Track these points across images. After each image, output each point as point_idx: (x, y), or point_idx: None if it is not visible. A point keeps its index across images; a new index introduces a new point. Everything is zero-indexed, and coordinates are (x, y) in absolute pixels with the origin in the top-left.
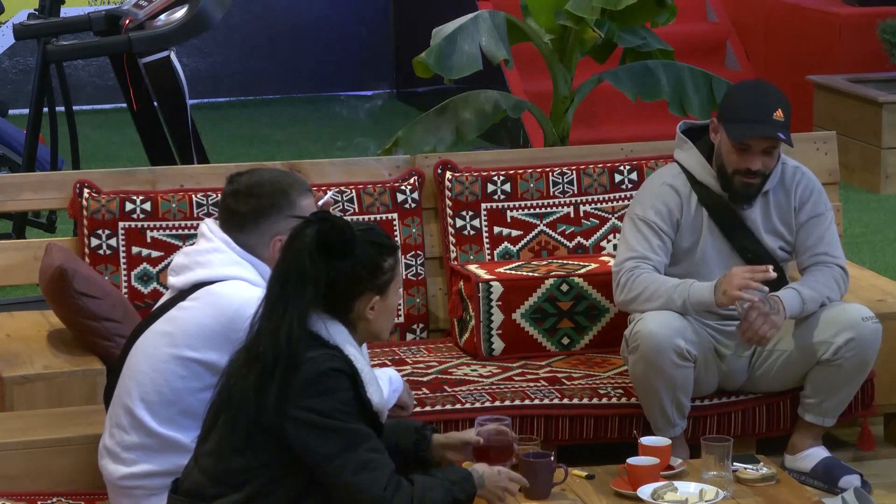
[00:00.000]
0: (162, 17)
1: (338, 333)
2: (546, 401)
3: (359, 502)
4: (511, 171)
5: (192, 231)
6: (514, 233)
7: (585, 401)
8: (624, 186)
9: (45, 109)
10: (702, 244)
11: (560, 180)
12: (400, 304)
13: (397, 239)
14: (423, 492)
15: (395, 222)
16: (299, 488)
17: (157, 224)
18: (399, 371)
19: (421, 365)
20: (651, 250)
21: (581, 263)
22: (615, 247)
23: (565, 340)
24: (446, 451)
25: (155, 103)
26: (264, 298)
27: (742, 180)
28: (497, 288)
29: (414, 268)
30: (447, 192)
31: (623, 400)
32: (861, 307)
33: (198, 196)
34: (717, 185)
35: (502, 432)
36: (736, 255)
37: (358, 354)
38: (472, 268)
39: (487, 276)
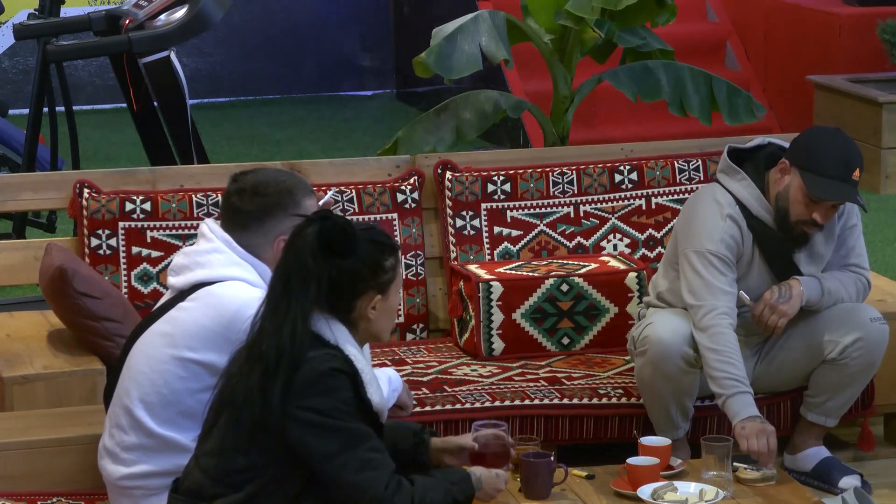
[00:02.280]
0: (162, 17)
1: (339, 333)
2: (546, 401)
3: (360, 501)
4: (511, 171)
5: (192, 231)
6: (514, 233)
7: (585, 401)
8: (624, 186)
9: (45, 109)
10: (748, 275)
11: (560, 180)
12: (400, 304)
13: (397, 239)
14: (424, 491)
15: (395, 222)
16: (300, 487)
17: (157, 224)
18: (399, 371)
19: (421, 365)
20: (729, 283)
21: (581, 263)
22: (615, 247)
23: (565, 340)
24: (444, 455)
25: (155, 103)
26: (266, 297)
27: (803, 228)
28: (497, 288)
29: (414, 268)
30: (447, 192)
31: (623, 400)
32: (869, 308)
33: (198, 196)
34: (771, 220)
35: (499, 437)
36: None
37: (359, 354)
38: (472, 268)
39: (487, 276)
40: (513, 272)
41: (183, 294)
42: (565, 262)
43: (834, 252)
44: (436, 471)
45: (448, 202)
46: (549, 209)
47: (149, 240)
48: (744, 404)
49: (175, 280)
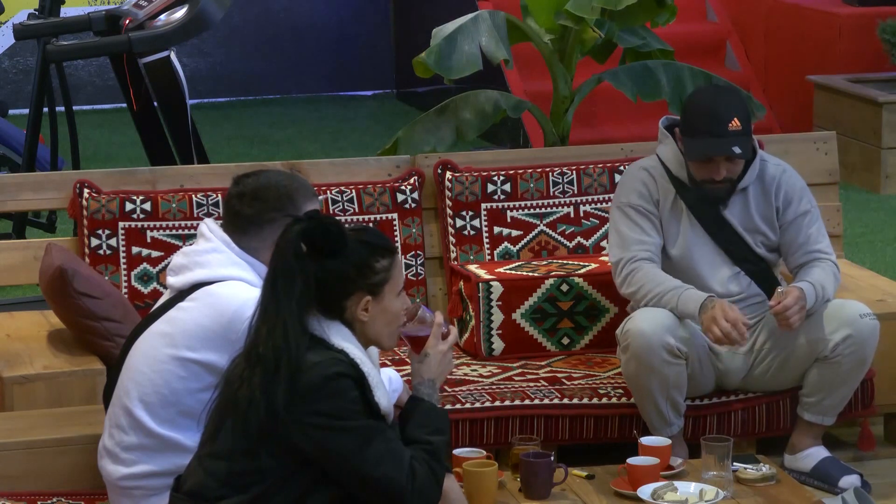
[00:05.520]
0: (162, 17)
1: (341, 335)
2: (546, 401)
3: (382, 494)
4: (511, 171)
5: (192, 231)
6: (514, 233)
7: (585, 401)
8: None
9: (46, 109)
10: (685, 240)
11: (560, 180)
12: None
13: (397, 239)
14: (431, 462)
15: (395, 222)
16: (305, 488)
17: (157, 224)
18: (399, 371)
19: None
20: (644, 233)
21: (581, 263)
22: None
23: (565, 340)
24: None
25: (155, 103)
26: (259, 300)
27: (710, 187)
28: (497, 288)
29: (414, 268)
30: (447, 192)
31: (623, 400)
32: (858, 304)
33: (198, 196)
34: (688, 180)
35: (419, 318)
36: (720, 251)
37: (364, 357)
38: (472, 268)
39: (487, 276)
40: (513, 272)
41: (182, 294)
42: (565, 262)
43: (792, 240)
44: (411, 424)
45: (448, 202)
46: (549, 209)
47: (149, 240)
48: (690, 298)
49: (174, 280)
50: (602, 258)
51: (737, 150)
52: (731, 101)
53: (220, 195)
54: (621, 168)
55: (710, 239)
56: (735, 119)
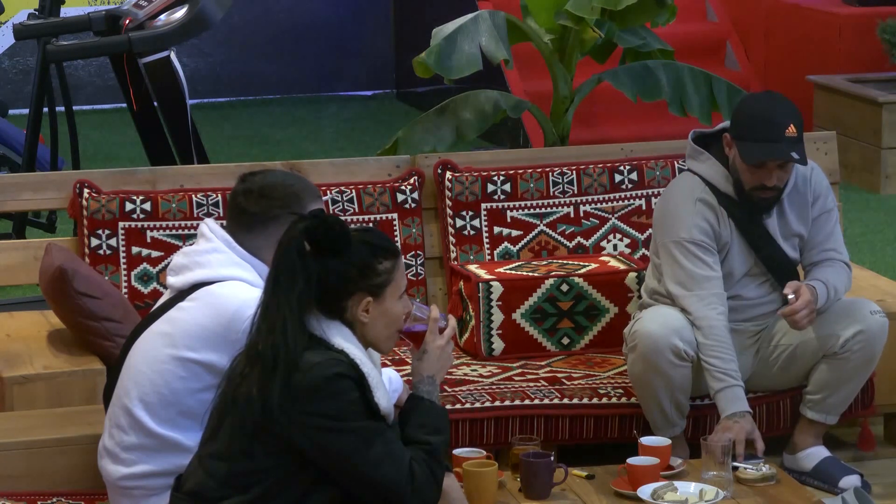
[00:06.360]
0: (162, 17)
1: (341, 335)
2: (546, 401)
3: (382, 495)
4: (511, 171)
5: (192, 231)
6: (514, 233)
7: (585, 401)
8: (624, 186)
9: (45, 109)
10: (730, 254)
11: (560, 180)
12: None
13: (397, 239)
14: (431, 463)
15: (395, 222)
16: (305, 488)
17: (157, 224)
18: (399, 371)
19: None
20: (710, 268)
21: (581, 263)
22: (615, 247)
23: (565, 340)
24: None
25: (155, 103)
26: (261, 297)
27: (759, 195)
28: (497, 288)
29: (414, 268)
30: (447, 192)
31: (623, 400)
32: (868, 301)
33: (198, 196)
34: (735, 194)
35: (416, 318)
36: (760, 264)
37: (364, 357)
38: (472, 268)
39: (487, 276)
40: (513, 272)
41: (182, 294)
42: (565, 262)
43: (811, 237)
44: (410, 425)
45: (448, 202)
46: (549, 209)
47: (149, 240)
48: (729, 399)
49: (174, 280)
50: (602, 258)
51: (795, 155)
52: (787, 109)
53: (220, 195)
54: (621, 168)
55: (753, 254)
56: (791, 125)
